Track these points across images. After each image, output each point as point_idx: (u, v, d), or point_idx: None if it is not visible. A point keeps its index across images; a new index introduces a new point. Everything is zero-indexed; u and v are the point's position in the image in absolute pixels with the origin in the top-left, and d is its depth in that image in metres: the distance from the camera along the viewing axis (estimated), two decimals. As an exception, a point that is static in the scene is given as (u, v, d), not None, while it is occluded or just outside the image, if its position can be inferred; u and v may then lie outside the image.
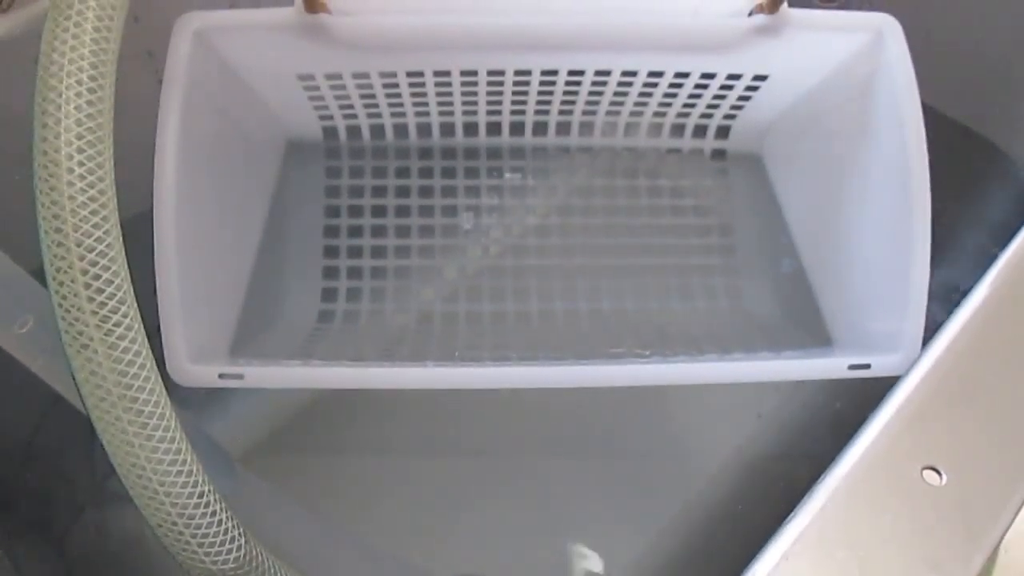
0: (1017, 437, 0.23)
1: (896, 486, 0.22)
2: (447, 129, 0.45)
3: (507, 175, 0.46)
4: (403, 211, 0.45)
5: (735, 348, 0.38)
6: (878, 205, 0.36)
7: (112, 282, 0.28)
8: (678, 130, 0.46)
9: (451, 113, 0.44)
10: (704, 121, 0.45)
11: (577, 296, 0.44)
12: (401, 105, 0.42)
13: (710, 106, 0.43)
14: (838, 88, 0.38)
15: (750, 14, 0.35)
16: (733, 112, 0.44)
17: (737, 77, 0.40)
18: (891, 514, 0.21)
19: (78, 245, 0.27)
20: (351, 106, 0.42)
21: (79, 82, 0.28)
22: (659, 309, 0.43)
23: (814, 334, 0.40)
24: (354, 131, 0.45)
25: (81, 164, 0.28)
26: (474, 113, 0.44)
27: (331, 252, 0.44)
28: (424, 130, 0.45)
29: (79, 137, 0.28)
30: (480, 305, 0.43)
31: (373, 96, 0.41)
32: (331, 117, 0.43)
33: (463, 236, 0.45)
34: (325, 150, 0.45)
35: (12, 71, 0.33)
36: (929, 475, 0.22)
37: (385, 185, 0.45)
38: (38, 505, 0.41)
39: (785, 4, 0.35)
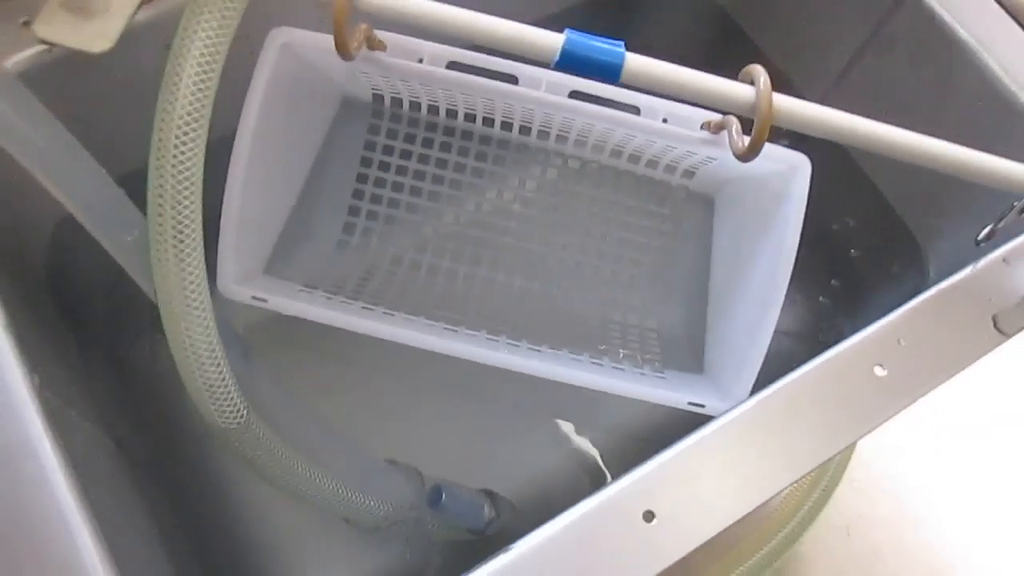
0: (721, 487, 0.35)
1: (608, 533, 0.34)
2: (470, 117, 0.56)
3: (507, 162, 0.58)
4: (419, 175, 0.56)
5: (628, 358, 0.51)
6: (755, 287, 0.47)
7: (184, 215, 0.40)
8: (653, 164, 0.56)
9: (474, 114, 0.54)
10: (673, 164, 0.55)
11: (516, 272, 0.56)
12: (435, 94, 0.53)
13: (675, 161, 0.53)
14: (760, 190, 0.48)
15: (701, 127, 0.45)
16: (692, 170, 0.54)
17: (694, 153, 0.50)
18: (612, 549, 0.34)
19: (173, 203, 0.40)
20: (397, 90, 0.53)
21: (203, 53, 0.38)
22: (580, 305, 0.56)
23: (699, 361, 0.53)
24: (396, 102, 0.55)
25: (185, 131, 0.39)
26: (491, 123, 0.55)
27: (357, 195, 0.56)
28: (452, 113, 0.56)
29: (186, 114, 0.39)
30: (427, 258, 0.56)
31: (413, 88, 0.52)
32: (380, 89, 0.54)
33: (456, 204, 0.57)
34: (372, 111, 0.56)
35: (149, 45, 0.44)
36: (646, 519, 0.34)
37: (411, 151, 0.56)
38: (109, 329, 0.56)
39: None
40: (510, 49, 0.38)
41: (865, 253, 0.62)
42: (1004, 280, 0.43)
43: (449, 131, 0.57)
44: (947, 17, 0.51)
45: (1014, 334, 0.42)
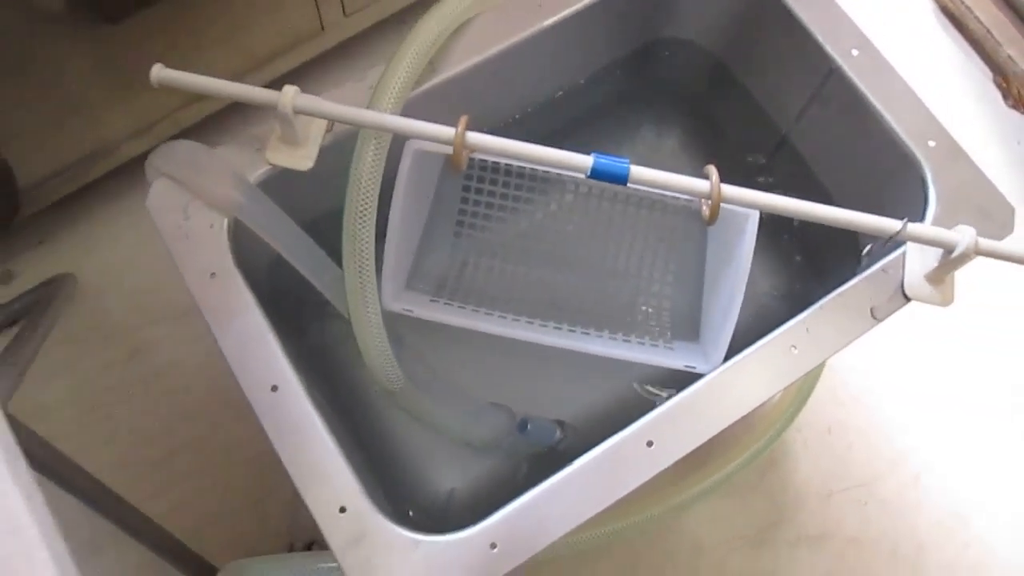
0: (696, 422, 0.61)
1: (624, 455, 0.60)
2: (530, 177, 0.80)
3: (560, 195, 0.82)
4: (502, 208, 0.82)
5: (648, 333, 0.77)
6: (728, 283, 0.72)
7: (365, 265, 0.66)
8: (662, 193, 0.80)
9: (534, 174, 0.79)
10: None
11: (570, 269, 0.81)
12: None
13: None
14: (731, 218, 0.72)
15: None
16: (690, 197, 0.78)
17: (687, 194, 0.74)
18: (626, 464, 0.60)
19: (355, 244, 0.66)
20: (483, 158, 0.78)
21: (369, 169, 0.64)
22: (614, 292, 0.81)
23: (697, 331, 0.79)
24: (484, 161, 0.80)
25: (362, 214, 0.65)
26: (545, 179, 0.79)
27: (459, 223, 0.82)
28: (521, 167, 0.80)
29: (362, 204, 0.65)
30: (507, 264, 0.82)
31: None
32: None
33: (527, 217, 0.83)
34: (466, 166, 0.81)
35: (330, 154, 0.69)
36: (647, 445, 0.60)
37: (495, 191, 0.82)
38: (292, 308, 0.83)
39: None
40: (560, 167, 0.63)
41: (820, 237, 0.86)
42: (881, 283, 0.67)
43: (519, 175, 0.82)
44: (861, 87, 0.73)
45: (883, 319, 0.66)
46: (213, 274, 0.65)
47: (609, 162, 0.62)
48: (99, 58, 0.94)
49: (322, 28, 1.06)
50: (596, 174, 0.62)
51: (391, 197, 0.70)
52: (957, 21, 1.32)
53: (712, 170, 0.63)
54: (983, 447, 1.07)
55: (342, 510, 0.59)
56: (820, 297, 0.67)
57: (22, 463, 0.28)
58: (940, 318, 1.08)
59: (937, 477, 1.06)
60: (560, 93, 0.84)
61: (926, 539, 1.03)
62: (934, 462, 1.06)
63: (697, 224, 0.82)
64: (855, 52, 0.74)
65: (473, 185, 0.82)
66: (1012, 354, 1.12)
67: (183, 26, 0.98)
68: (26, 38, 0.87)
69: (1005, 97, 1.27)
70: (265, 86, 1.04)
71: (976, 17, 1.30)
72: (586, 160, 0.62)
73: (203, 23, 0.99)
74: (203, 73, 1.01)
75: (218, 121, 1.08)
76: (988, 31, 1.29)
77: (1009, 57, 1.27)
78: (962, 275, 0.68)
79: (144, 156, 1.04)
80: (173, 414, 1.02)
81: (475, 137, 0.63)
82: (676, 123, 0.91)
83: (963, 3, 1.32)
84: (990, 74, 1.29)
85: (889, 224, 0.63)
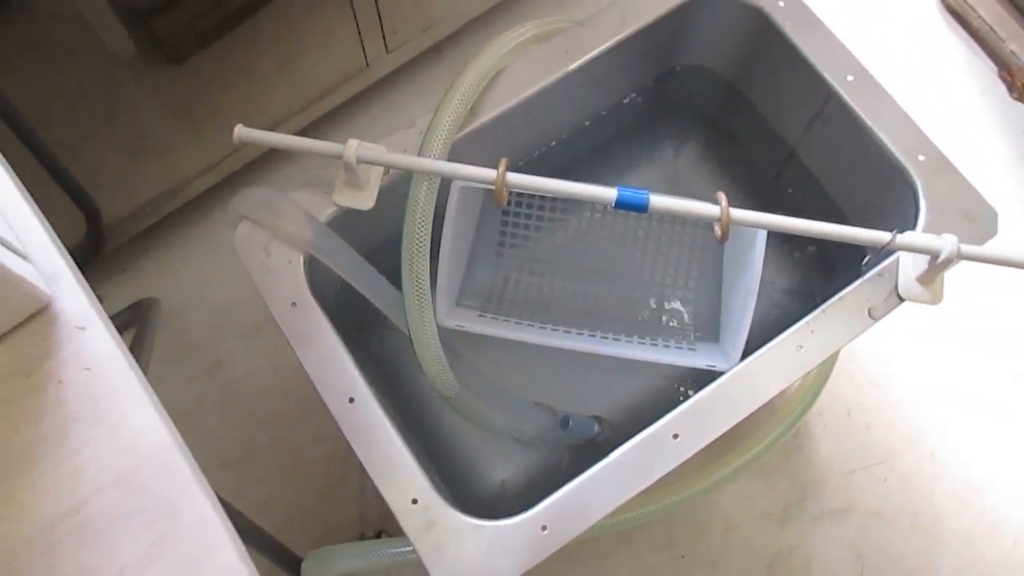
0: (717, 417, 0.71)
1: (654, 446, 0.70)
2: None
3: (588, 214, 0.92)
4: (537, 228, 0.92)
5: (673, 336, 0.86)
6: (742, 289, 0.81)
7: (422, 290, 0.76)
8: (681, 208, 0.90)
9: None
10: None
11: (602, 279, 0.91)
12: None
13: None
14: (740, 242, 0.81)
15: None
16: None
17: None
18: (654, 455, 0.70)
19: (412, 271, 0.76)
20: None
21: (423, 206, 0.75)
22: (643, 296, 0.91)
23: (717, 332, 0.88)
24: (521, 193, 0.90)
25: (418, 244, 0.75)
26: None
27: (500, 244, 0.92)
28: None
29: (418, 236, 0.75)
30: (544, 278, 0.92)
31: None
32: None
33: (554, 242, 0.92)
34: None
35: (390, 197, 0.79)
36: (673, 437, 0.70)
37: (531, 212, 0.92)
38: (356, 325, 0.94)
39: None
40: (589, 199, 0.72)
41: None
42: (877, 286, 0.76)
43: (552, 198, 0.91)
44: (857, 109, 0.82)
45: (880, 319, 0.75)
46: (294, 303, 0.76)
47: (631, 194, 0.71)
48: (168, 98, 1.05)
49: (367, 64, 1.16)
50: (620, 205, 0.72)
51: (441, 224, 0.80)
52: (961, 18, 1.39)
53: (722, 196, 0.72)
54: (993, 422, 1.15)
55: (414, 501, 0.69)
56: (828, 291, 0.76)
57: (202, 475, 0.38)
58: (948, 308, 1.15)
59: (952, 452, 1.14)
60: (586, 123, 0.94)
61: (943, 510, 1.12)
62: (948, 438, 1.14)
63: (714, 236, 0.91)
64: (850, 78, 0.83)
65: (512, 209, 0.92)
66: (1013, 339, 1.20)
67: (236, 65, 1.07)
68: (104, 86, 0.97)
69: (1010, 90, 1.34)
70: (319, 119, 1.15)
71: (979, 15, 1.36)
72: (611, 193, 0.72)
73: (256, 60, 1.09)
74: (262, 109, 1.12)
75: (277, 156, 1.19)
76: (991, 27, 1.36)
77: (1012, 52, 1.34)
78: (969, 272, 0.76)
79: (213, 190, 1.17)
80: (249, 421, 1.14)
81: (514, 177, 0.72)
82: (693, 141, 1.00)
83: (966, 1, 1.38)
84: (995, 68, 1.36)
85: (880, 236, 0.72)
